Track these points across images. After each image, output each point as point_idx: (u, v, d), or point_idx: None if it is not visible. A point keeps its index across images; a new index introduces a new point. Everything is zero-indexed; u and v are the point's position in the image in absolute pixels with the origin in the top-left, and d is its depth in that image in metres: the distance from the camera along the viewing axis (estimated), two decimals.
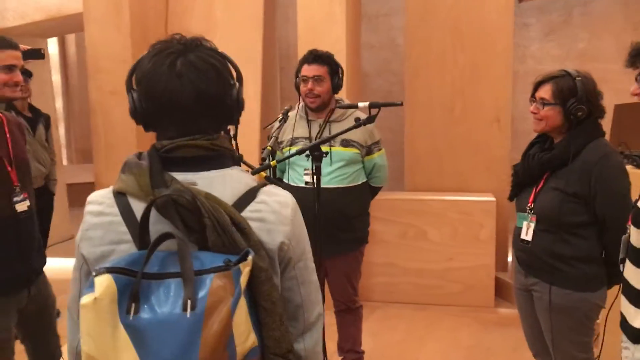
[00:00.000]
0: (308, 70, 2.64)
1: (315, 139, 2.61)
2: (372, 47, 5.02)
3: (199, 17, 4.42)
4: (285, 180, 2.72)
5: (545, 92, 2.09)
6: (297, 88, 2.70)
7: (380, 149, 2.79)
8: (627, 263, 1.67)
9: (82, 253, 1.08)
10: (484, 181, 4.59)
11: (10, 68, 2.01)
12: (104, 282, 0.93)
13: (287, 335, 1.06)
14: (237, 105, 1.14)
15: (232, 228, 1.02)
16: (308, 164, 2.38)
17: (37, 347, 2.23)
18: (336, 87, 2.65)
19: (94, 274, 0.94)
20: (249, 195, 1.10)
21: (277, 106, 4.93)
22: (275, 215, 1.09)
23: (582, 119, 2.03)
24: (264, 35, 4.42)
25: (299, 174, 2.67)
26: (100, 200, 1.10)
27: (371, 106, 2.07)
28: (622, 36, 5.08)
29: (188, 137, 1.09)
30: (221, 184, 1.09)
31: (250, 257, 0.99)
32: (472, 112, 4.44)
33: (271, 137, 2.42)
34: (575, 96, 2.02)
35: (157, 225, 1.03)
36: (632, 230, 1.62)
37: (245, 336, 0.98)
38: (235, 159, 1.17)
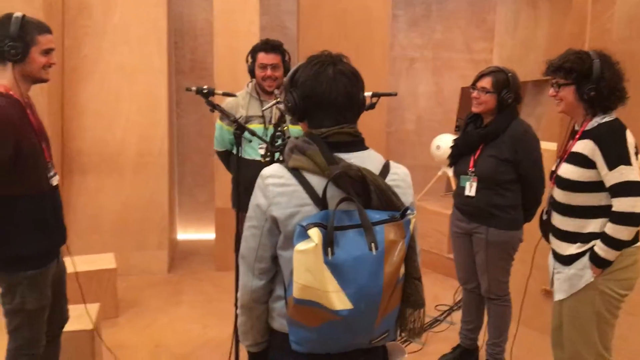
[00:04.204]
0: (266, 58, 2.99)
1: (269, 117, 3.00)
2: (263, 29, 5.37)
3: None
4: (238, 154, 2.81)
5: (486, 82, 2.71)
6: (251, 72, 3.05)
7: None
8: (553, 213, 2.28)
9: (273, 214, 1.37)
10: None
11: (48, 52, 2.08)
12: (315, 233, 1.24)
13: (419, 265, 1.43)
14: (363, 104, 1.49)
15: (389, 192, 1.37)
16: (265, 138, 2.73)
17: (51, 312, 2.26)
18: (287, 72, 2.98)
19: (302, 228, 1.25)
20: (386, 169, 1.46)
21: (172, 79, 5.14)
22: (404, 182, 1.48)
23: (507, 104, 2.68)
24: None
25: (254, 148, 2.97)
26: (279, 174, 1.39)
27: (373, 95, 2.43)
28: (468, 31, 6.04)
29: (338, 126, 1.41)
30: (369, 161, 1.43)
31: (414, 211, 1.37)
32: None
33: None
34: (507, 87, 2.68)
35: (330, 192, 1.34)
36: (555, 189, 2.25)
37: (402, 266, 1.36)
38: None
